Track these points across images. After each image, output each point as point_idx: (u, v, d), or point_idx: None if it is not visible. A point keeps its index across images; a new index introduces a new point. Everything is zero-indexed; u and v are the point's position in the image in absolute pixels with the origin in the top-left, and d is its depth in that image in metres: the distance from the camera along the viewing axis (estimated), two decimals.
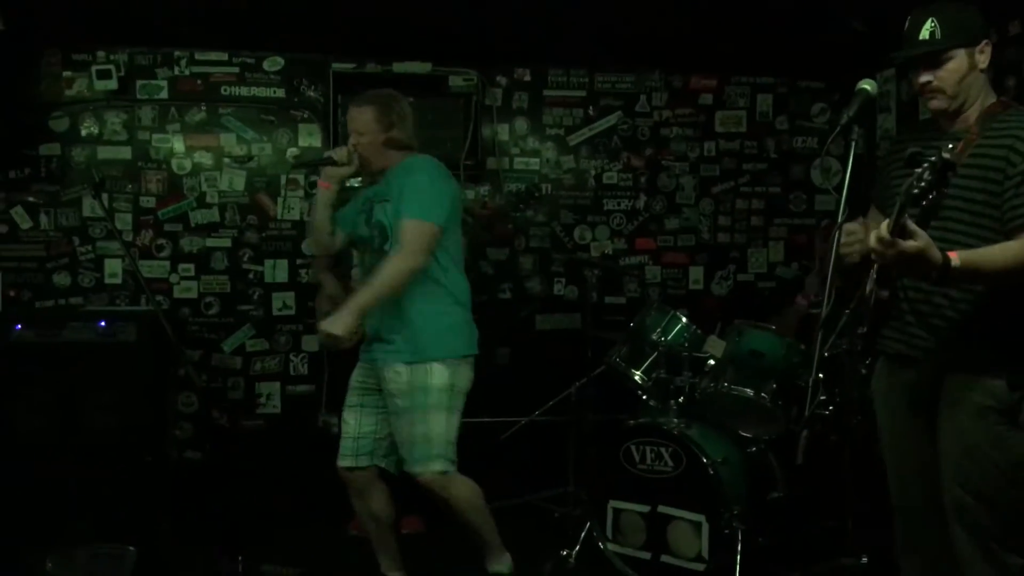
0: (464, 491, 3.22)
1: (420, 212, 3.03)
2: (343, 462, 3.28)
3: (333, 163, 3.31)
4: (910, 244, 2.00)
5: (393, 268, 3.03)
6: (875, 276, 2.28)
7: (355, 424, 3.29)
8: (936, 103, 2.39)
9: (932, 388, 2.40)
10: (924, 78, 2.38)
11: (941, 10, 2.36)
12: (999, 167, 2.26)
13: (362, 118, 3.20)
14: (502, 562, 3.39)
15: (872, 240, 2.07)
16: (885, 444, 2.61)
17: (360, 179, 3.57)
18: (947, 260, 2.09)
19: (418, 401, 3.12)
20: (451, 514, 3.25)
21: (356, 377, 3.34)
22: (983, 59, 2.37)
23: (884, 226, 2.03)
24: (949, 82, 2.34)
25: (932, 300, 2.37)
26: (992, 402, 2.30)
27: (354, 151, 3.26)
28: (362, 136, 3.22)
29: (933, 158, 1.93)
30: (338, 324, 2.96)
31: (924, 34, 2.34)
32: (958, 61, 2.34)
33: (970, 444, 2.32)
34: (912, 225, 1.99)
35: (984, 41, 2.37)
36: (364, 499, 3.30)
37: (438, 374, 3.12)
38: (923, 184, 1.93)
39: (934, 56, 2.34)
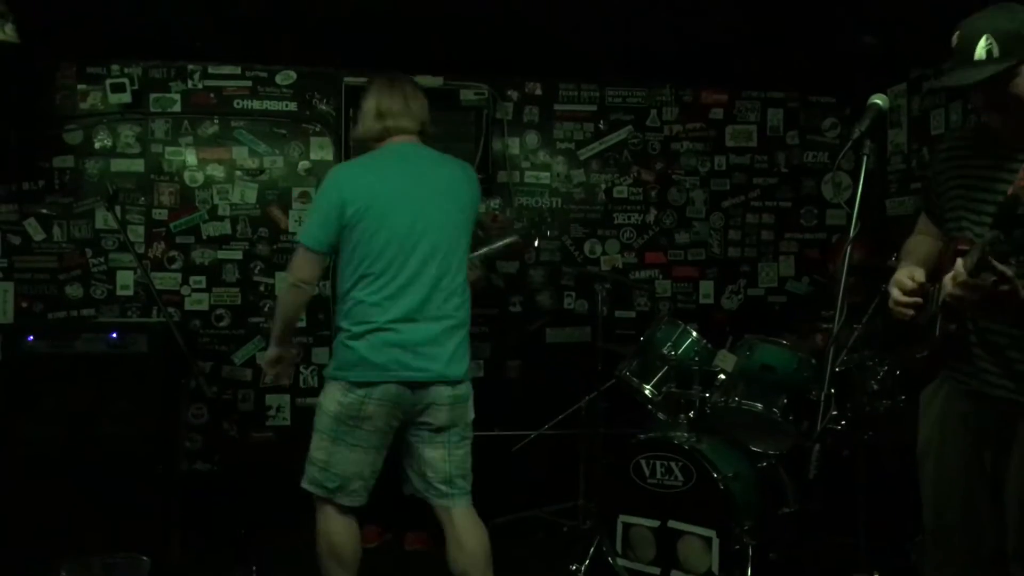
0: (325, 526, 3.02)
1: (300, 232, 3.05)
2: None
3: None
4: (999, 289, 1.90)
5: (281, 295, 3.22)
6: (941, 310, 2.17)
7: None
8: (996, 121, 2.23)
9: (1000, 425, 2.27)
10: (989, 99, 2.19)
11: (994, 25, 2.14)
12: None
13: None
14: None
15: (949, 286, 1.97)
16: (929, 465, 2.48)
17: None
18: None
19: None
20: None
21: None
22: None
23: (961, 268, 1.93)
24: (1018, 100, 2.15)
25: (1010, 332, 2.22)
26: None
27: None
28: None
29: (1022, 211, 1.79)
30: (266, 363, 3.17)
31: (980, 53, 2.13)
32: (1021, 76, 2.13)
33: None
34: (999, 266, 1.88)
35: None
36: None
37: (323, 392, 3.06)
38: (1014, 243, 1.82)
39: (997, 77, 2.13)
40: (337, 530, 3.02)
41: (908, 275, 2.29)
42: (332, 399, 2.96)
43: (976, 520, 2.36)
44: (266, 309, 5.08)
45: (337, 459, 2.96)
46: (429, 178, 3.04)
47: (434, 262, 2.96)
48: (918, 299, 2.24)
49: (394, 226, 2.91)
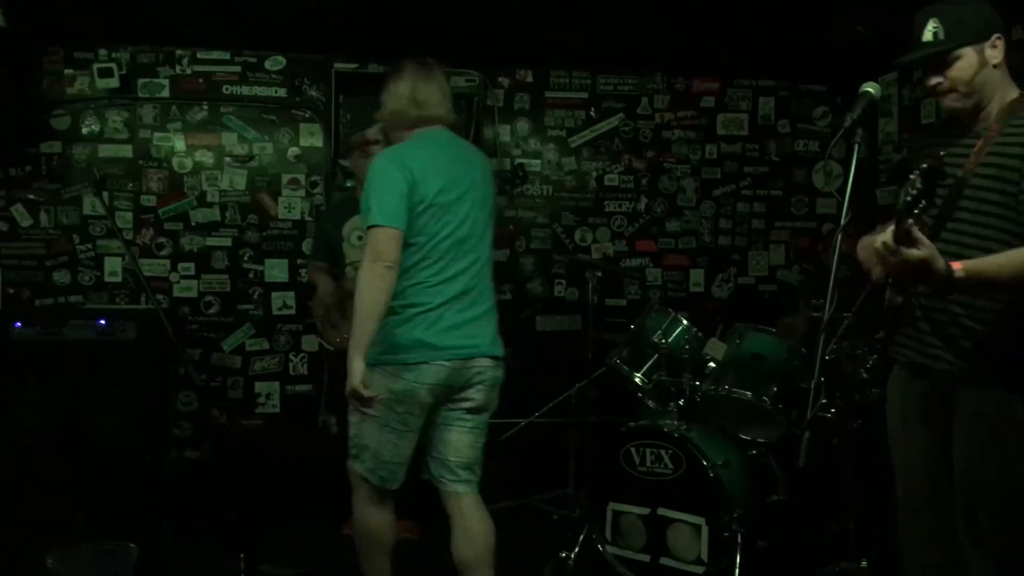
0: (364, 509, 3.00)
1: (370, 218, 2.81)
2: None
3: (367, 142, 3.36)
4: (912, 252, 1.98)
5: (363, 288, 2.80)
6: (890, 282, 2.24)
7: None
8: (950, 102, 2.33)
9: (945, 399, 2.36)
10: (933, 80, 2.32)
11: (942, 10, 2.29)
12: (1016, 166, 2.20)
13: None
14: None
15: (878, 244, 2.05)
16: (896, 450, 2.56)
17: None
18: (951, 270, 2.05)
19: None
20: None
21: None
22: (995, 54, 2.28)
23: (889, 232, 2.01)
24: (960, 82, 2.28)
25: (948, 308, 2.30)
26: (1010, 420, 2.24)
27: (381, 129, 3.21)
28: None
29: (924, 165, 1.92)
30: (352, 376, 2.76)
31: (927, 36, 2.28)
32: (966, 60, 2.26)
33: (984, 459, 2.28)
34: (916, 233, 1.96)
35: (995, 35, 2.28)
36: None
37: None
38: (914, 192, 1.92)
39: (940, 58, 2.28)
40: (373, 513, 3.02)
41: (868, 236, 2.37)
42: (380, 385, 2.83)
43: (942, 500, 2.40)
44: (255, 296, 5.06)
45: (384, 445, 2.93)
46: (469, 167, 3.04)
47: (478, 249, 3.01)
48: (890, 244, 2.20)
49: (454, 213, 2.93)
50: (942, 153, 1.93)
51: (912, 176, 1.93)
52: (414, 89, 2.98)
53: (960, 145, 2.35)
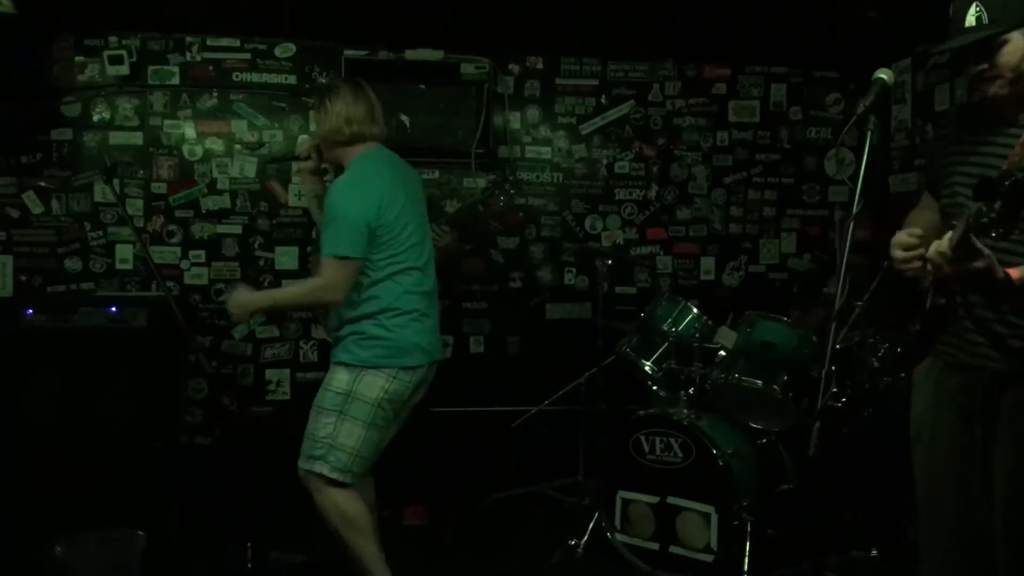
0: (327, 501, 3.08)
1: (333, 247, 2.97)
2: None
3: (296, 159, 3.44)
4: (973, 265, 1.92)
5: (309, 294, 3.15)
6: (932, 284, 2.17)
7: None
8: (996, 89, 2.22)
9: (986, 397, 2.28)
10: (980, 67, 2.21)
11: None
12: None
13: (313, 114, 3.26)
14: None
15: (932, 253, 1.98)
16: (921, 443, 2.49)
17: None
18: (1008, 278, 1.99)
19: (317, 398, 3.13)
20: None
21: None
22: None
23: (946, 240, 1.94)
24: (1008, 67, 2.17)
25: (994, 307, 2.23)
26: None
27: (314, 146, 3.31)
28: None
29: (1008, 183, 1.76)
30: (236, 303, 3.09)
31: (971, 20, 2.16)
32: (1013, 44, 2.15)
33: None
34: (977, 243, 1.89)
35: None
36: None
37: (337, 376, 3.08)
38: (993, 216, 1.80)
39: (986, 43, 2.17)
40: (347, 499, 3.10)
41: (907, 233, 2.28)
42: (375, 386, 3.04)
43: (967, 501, 2.36)
44: (266, 284, 5.06)
45: (367, 443, 3.08)
46: (409, 181, 3.26)
47: (430, 254, 3.27)
48: (920, 251, 2.20)
49: (414, 224, 3.16)
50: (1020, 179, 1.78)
51: (993, 200, 1.79)
52: (347, 107, 3.12)
53: (1002, 134, 2.25)
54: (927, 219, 2.47)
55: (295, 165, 5.00)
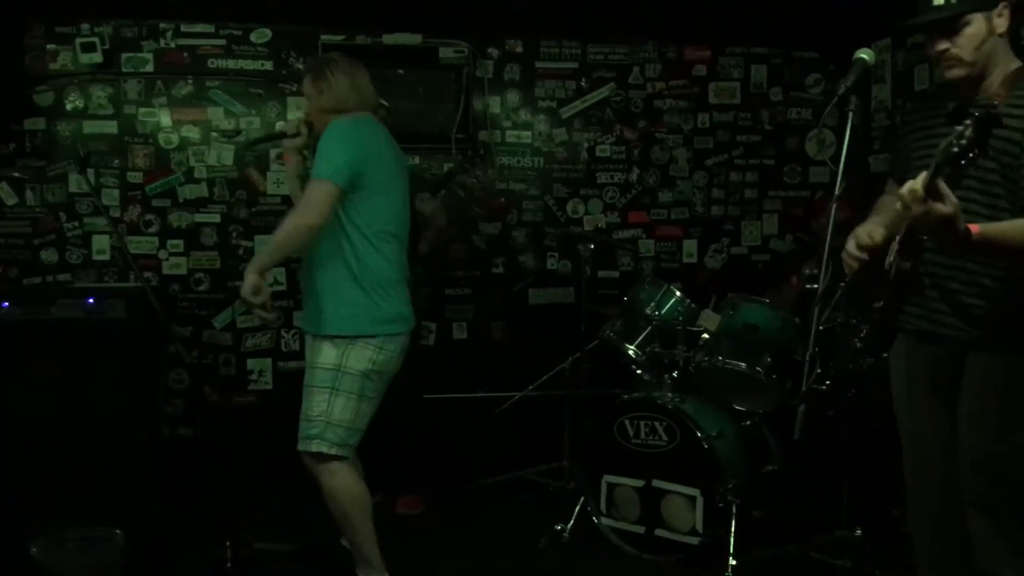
0: (339, 484, 3.07)
1: (318, 171, 2.97)
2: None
3: (284, 136, 3.41)
4: (939, 207, 1.93)
5: (285, 225, 3.01)
6: (897, 248, 2.20)
7: None
8: (954, 71, 2.28)
9: (953, 366, 2.35)
10: (940, 46, 2.26)
11: None
12: (1017, 139, 2.16)
13: (304, 87, 3.22)
14: None
15: (904, 191, 1.99)
16: (903, 420, 2.55)
17: None
18: (968, 232, 2.02)
19: (307, 377, 3.11)
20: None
21: None
22: (1002, 22, 2.25)
23: (920, 180, 1.95)
24: (967, 49, 2.23)
25: (958, 276, 2.29)
26: (1015, 382, 2.25)
27: (303, 121, 3.32)
28: (308, 104, 3.27)
29: (977, 113, 1.82)
30: (246, 289, 2.95)
31: (938, 0, 2.22)
32: (975, 26, 2.22)
33: (991, 424, 2.28)
34: (945, 188, 1.91)
35: (1002, 3, 2.24)
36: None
37: (324, 352, 3.05)
38: (963, 142, 1.83)
39: (950, 22, 2.23)
40: (355, 480, 3.13)
41: (868, 232, 2.32)
42: (363, 358, 3.03)
43: (951, 468, 2.39)
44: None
45: (361, 415, 3.09)
46: (396, 152, 3.27)
47: (407, 226, 3.28)
48: (866, 256, 2.27)
49: (400, 191, 3.20)
50: (994, 110, 1.82)
51: (961, 126, 1.85)
52: (351, 77, 3.17)
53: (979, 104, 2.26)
54: (893, 205, 2.49)
55: (275, 151, 4.97)
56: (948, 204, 1.93)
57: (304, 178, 3.27)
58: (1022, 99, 2.20)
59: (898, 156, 2.58)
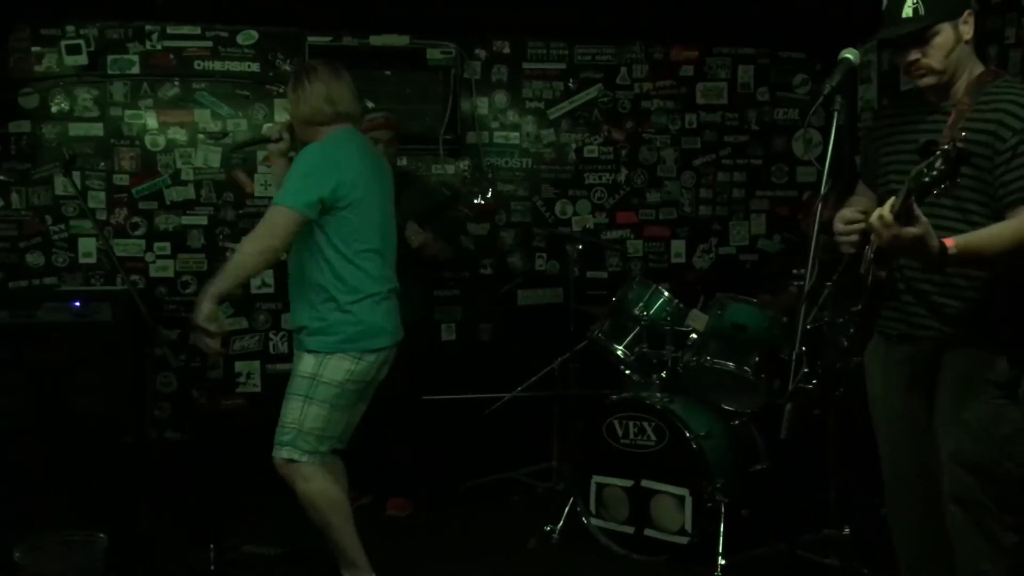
0: (314, 488, 3.06)
1: (282, 196, 2.97)
2: None
3: (267, 140, 3.39)
4: (909, 230, 1.97)
5: (242, 247, 3.03)
6: (872, 256, 2.22)
7: None
8: (926, 80, 2.33)
9: (930, 364, 2.38)
10: (911, 57, 2.31)
11: None
12: (987, 142, 2.22)
13: (287, 93, 3.21)
14: None
15: (873, 218, 2.03)
16: (879, 419, 2.58)
17: None
18: (943, 247, 2.05)
19: (288, 383, 3.12)
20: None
21: None
22: (967, 29, 2.31)
23: (888, 206, 1.99)
24: (937, 58, 2.29)
25: (932, 279, 2.33)
26: (991, 377, 2.28)
27: (285, 126, 3.31)
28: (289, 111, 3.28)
29: (947, 147, 1.88)
30: (202, 316, 2.88)
31: (907, 11, 2.27)
32: (944, 36, 2.28)
33: (968, 419, 2.31)
34: (916, 210, 1.95)
35: (967, 11, 2.31)
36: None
37: (304, 360, 3.07)
38: (934, 174, 1.88)
39: (919, 33, 2.28)
40: (329, 483, 3.12)
41: (850, 209, 2.38)
42: (339, 370, 3.03)
43: (929, 466, 2.42)
44: None
45: (333, 424, 3.09)
46: (377, 166, 3.27)
47: (394, 238, 3.29)
48: (860, 225, 2.29)
49: (379, 206, 3.18)
50: (961, 144, 1.89)
51: (932, 157, 1.89)
52: (328, 88, 3.12)
53: (930, 121, 2.37)
54: (864, 206, 2.54)
55: (261, 153, 4.95)
56: (919, 225, 1.98)
57: None
58: (987, 103, 2.26)
59: (866, 158, 2.63)
